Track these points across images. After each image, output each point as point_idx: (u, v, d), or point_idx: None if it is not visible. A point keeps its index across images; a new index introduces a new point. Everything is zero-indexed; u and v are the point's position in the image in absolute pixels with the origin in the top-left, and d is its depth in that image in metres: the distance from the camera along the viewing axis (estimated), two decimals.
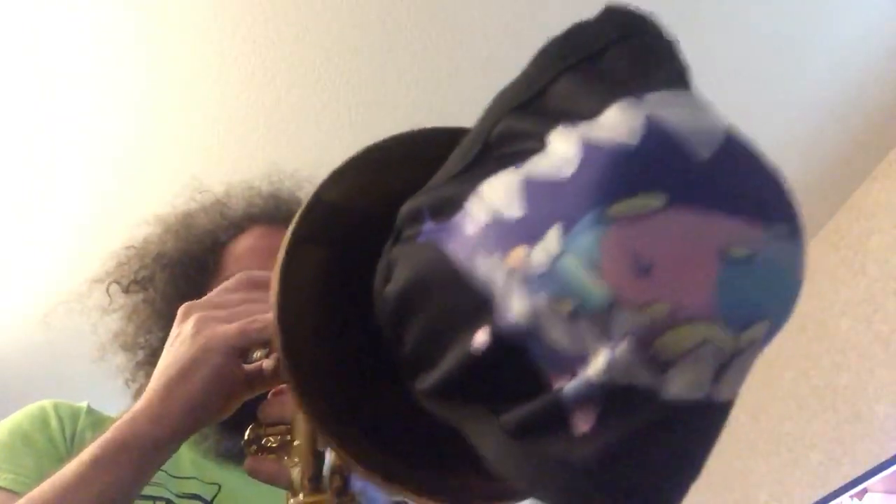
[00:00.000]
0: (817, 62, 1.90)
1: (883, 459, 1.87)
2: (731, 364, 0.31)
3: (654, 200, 0.29)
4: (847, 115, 2.04)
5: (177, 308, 0.88)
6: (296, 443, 0.51)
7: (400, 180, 0.41)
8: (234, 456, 0.84)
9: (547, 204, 0.31)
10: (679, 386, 0.30)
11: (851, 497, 1.94)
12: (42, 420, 0.80)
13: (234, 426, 0.61)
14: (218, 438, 0.82)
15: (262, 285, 0.60)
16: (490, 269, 0.32)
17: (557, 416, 0.31)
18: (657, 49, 0.34)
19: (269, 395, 0.60)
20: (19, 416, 0.80)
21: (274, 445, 0.59)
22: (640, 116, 0.30)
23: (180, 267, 0.90)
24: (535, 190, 0.32)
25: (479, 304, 0.33)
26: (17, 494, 0.69)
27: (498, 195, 0.33)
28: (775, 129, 2.06)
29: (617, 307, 0.29)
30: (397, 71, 1.84)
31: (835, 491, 1.97)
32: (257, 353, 0.57)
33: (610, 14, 0.35)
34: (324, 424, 0.40)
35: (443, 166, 0.38)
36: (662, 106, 0.31)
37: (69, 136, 1.91)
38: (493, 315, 0.32)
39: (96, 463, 0.55)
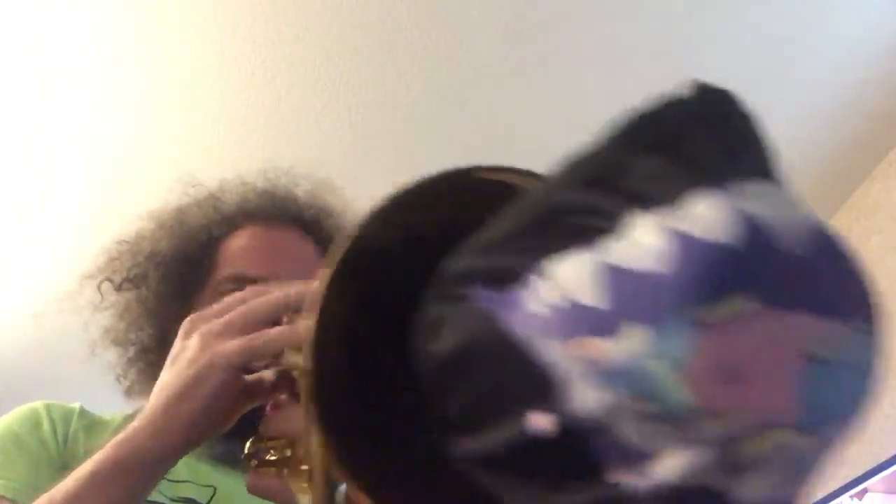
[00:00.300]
0: (817, 62, 1.90)
1: (883, 459, 1.87)
2: (806, 465, 0.31)
3: (749, 304, 0.29)
4: (847, 115, 2.04)
5: (168, 307, 0.88)
6: (304, 467, 0.50)
7: (437, 219, 0.40)
8: (228, 459, 0.83)
9: (630, 297, 0.30)
10: (751, 488, 0.30)
11: (851, 497, 1.93)
12: (34, 422, 0.79)
13: (231, 433, 0.61)
14: (213, 442, 0.82)
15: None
16: (558, 355, 0.31)
17: None
18: (746, 135, 0.33)
19: (269, 408, 0.60)
20: (10, 418, 0.80)
21: (274, 458, 0.58)
22: (733, 211, 0.29)
23: (174, 265, 0.89)
24: (615, 279, 0.30)
25: (538, 386, 0.32)
26: (8, 500, 0.68)
27: (574, 278, 0.32)
28: (775, 129, 2.04)
29: (701, 416, 0.29)
30: (397, 71, 1.84)
31: (835, 491, 1.97)
32: (254, 364, 0.57)
33: (696, 92, 0.33)
34: (344, 465, 0.39)
35: (495, 221, 0.37)
36: (756, 201, 0.30)
37: (69, 136, 1.91)
38: (556, 402, 0.31)
39: (96, 478, 0.54)
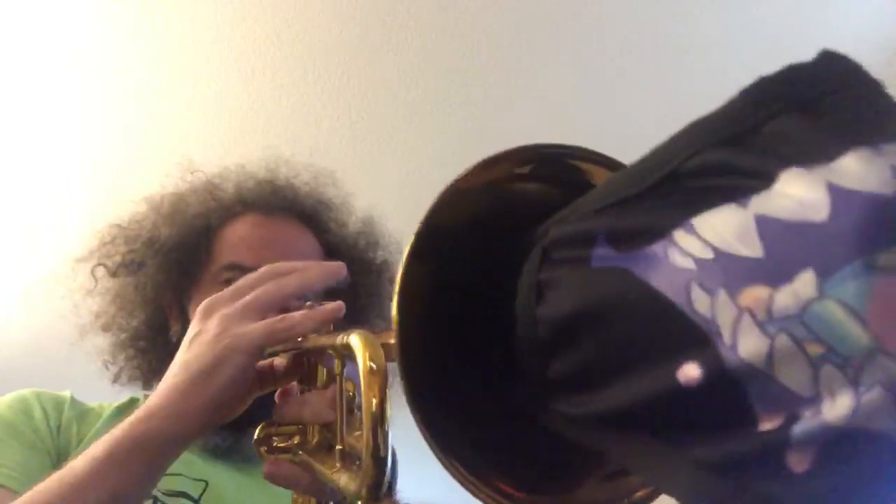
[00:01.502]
0: None
1: None
2: None
3: None
4: None
5: (165, 295, 0.87)
6: (338, 447, 0.50)
7: (503, 199, 0.42)
8: (222, 452, 0.83)
9: (793, 247, 0.31)
10: None
11: None
12: (25, 410, 0.79)
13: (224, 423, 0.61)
14: (207, 434, 0.81)
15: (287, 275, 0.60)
16: (712, 305, 0.32)
17: (774, 454, 0.31)
18: (878, 99, 0.34)
19: (277, 395, 0.60)
20: (1, 406, 0.79)
21: (282, 445, 0.58)
22: (885, 167, 0.30)
23: (172, 254, 0.88)
24: (773, 230, 0.32)
25: (690, 338, 0.33)
26: (4, 488, 0.68)
27: (724, 231, 0.33)
28: None
29: (876, 354, 0.29)
30: (397, 71, 1.84)
31: None
32: (269, 350, 0.57)
33: (828, 60, 0.34)
34: (435, 438, 0.40)
35: (598, 189, 0.38)
36: None
37: (68, 135, 1.91)
38: (713, 350, 0.32)
39: (110, 459, 0.54)
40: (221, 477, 0.82)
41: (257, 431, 0.59)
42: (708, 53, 1.83)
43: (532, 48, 1.81)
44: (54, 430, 0.79)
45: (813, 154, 0.32)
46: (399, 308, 0.41)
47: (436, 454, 0.40)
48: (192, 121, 1.91)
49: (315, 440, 0.56)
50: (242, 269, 0.81)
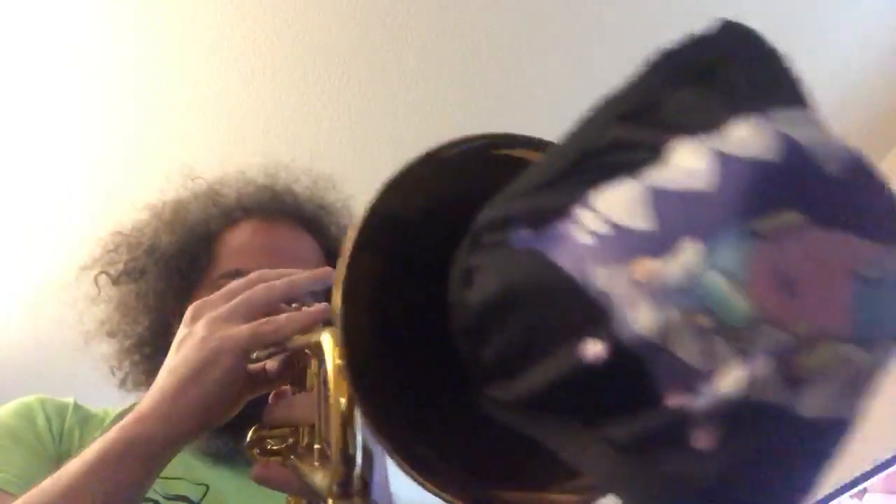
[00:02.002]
0: (817, 63, 1.90)
1: (883, 459, 1.87)
2: (860, 382, 0.31)
3: (797, 217, 0.29)
4: (847, 115, 2.04)
5: (167, 302, 0.87)
6: (316, 446, 0.50)
7: (451, 188, 0.41)
8: (223, 456, 0.83)
9: (679, 216, 0.31)
10: (812, 403, 0.30)
11: (851, 497, 1.93)
12: (28, 416, 0.79)
13: (224, 426, 0.61)
14: (208, 438, 0.81)
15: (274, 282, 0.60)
16: (609, 280, 0.32)
17: (678, 431, 0.31)
18: (775, 67, 0.34)
19: (271, 397, 0.60)
20: (4, 412, 0.79)
21: (276, 448, 0.58)
22: (772, 133, 0.30)
23: (173, 261, 0.89)
24: (663, 201, 0.31)
25: (591, 315, 0.32)
26: (5, 493, 0.68)
27: (617, 205, 0.32)
28: None
29: (760, 324, 0.29)
30: (397, 71, 1.84)
31: (835, 491, 1.97)
32: (257, 353, 0.57)
33: (727, 30, 0.34)
34: (380, 428, 0.40)
35: (525, 172, 0.38)
36: (792, 123, 0.31)
37: (68, 135, 1.91)
38: (611, 326, 0.32)
39: (103, 462, 0.54)
40: (222, 481, 0.82)
41: (250, 434, 0.59)
42: None
43: (532, 48, 1.81)
44: (57, 436, 0.79)
45: (705, 123, 0.32)
46: (344, 301, 0.40)
47: (388, 453, 0.40)
48: (191, 121, 1.91)
49: (305, 442, 0.56)
50: (242, 276, 0.81)
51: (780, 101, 0.32)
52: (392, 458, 0.40)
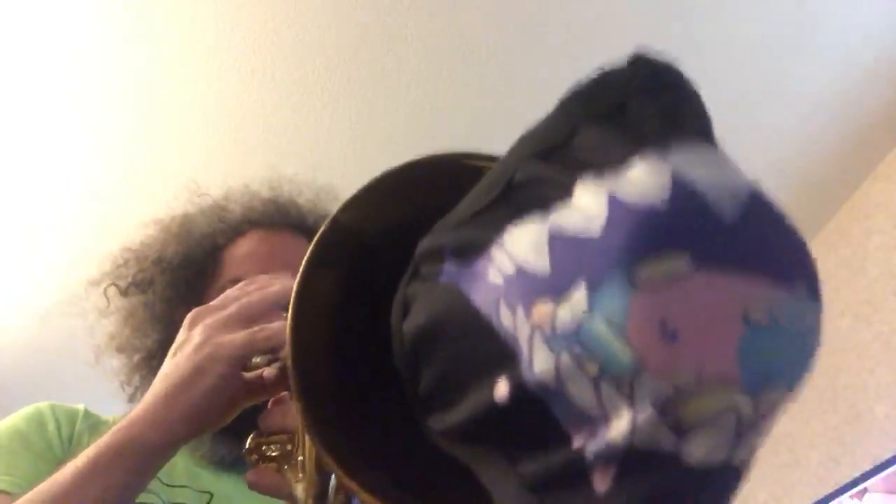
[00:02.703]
0: (817, 63, 1.91)
1: (883, 459, 1.87)
2: (750, 429, 0.31)
3: (680, 263, 0.29)
4: (847, 115, 2.04)
5: (175, 312, 0.88)
6: (300, 458, 0.50)
7: (414, 206, 0.41)
8: (228, 464, 0.83)
9: (573, 260, 0.31)
10: (699, 450, 0.30)
11: (851, 497, 1.93)
12: (39, 422, 0.80)
13: (229, 434, 0.61)
14: (212, 446, 0.82)
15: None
16: (513, 322, 0.32)
17: (578, 473, 0.31)
18: (683, 100, 0.34)
19: (270, 404, 0.60)
20: (16, 417, 0.80)
21: (275, 454, 0.58)
22: (666, 174, 0.30)
23: (180, 271, 0.90)
24: (561, 244, 0.31)
25: (501, 354, 0.33)
26: (13, 496, 0.68)
27: (523, 247, 0.33)
28: (776, 129, 2.06)
29: (642, 373, 0.29)
30: (397, 71, 1.84)
31: (835, 491, 1.97)
32: (256, 360, 0.57)
33: (636, 62, 0.34)
34: (331, 453, 0.40)
35: (463, 201, 0.38)
36: (689, 163, 0.30)
37: (68, 136, 1.91)
38: (516, 367, 0.32)
39: (94, 467, 0.55)
40: (226, 489, 0.83)
41: (248, 441, 0.59)
42: (710, 54, 1.83)
43: (532, 49, 1.81)
44: (66, 442, 0.80)
45: (608, 161, 0.31)
46: (294, 317, 0.40)
47: (338, 477, 0.39)
48: (191, 121, 1.91)
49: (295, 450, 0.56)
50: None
51: (683, 138, 0.31)
52: (338, 478, 0.39)
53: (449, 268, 0.36)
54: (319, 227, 0.99)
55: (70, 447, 0.79)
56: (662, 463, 0.30)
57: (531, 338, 0.31)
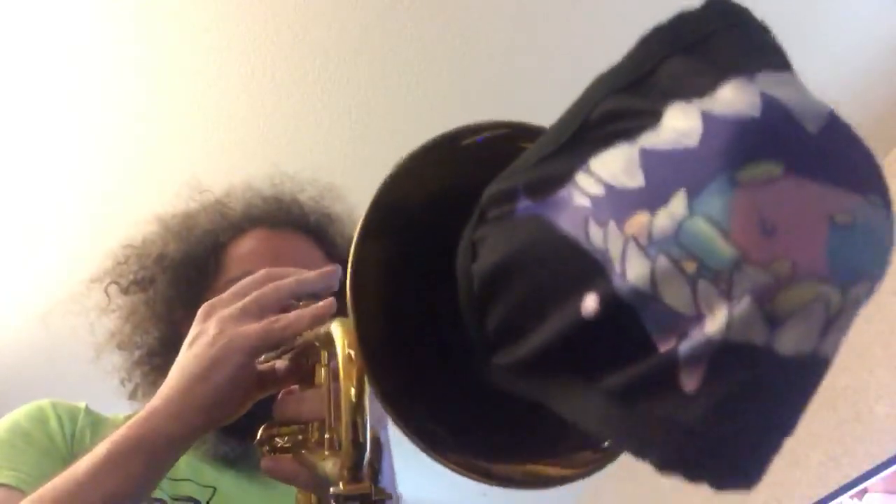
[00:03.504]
0: (816, 63, 1.90)
1: (883, 459, 1.87)
2: (836, 321, 0.33)
3: (775, 167, 0.31)
4: (847, 115, 2.04)
5: (176, 310, 0.88)
6: (326, 437, 0.51)
7: (462, 175, 0.43)
8: (231, 460, 0.84)
9: (669, 172, 0.33)
10: (790, 341, 0.32)
11: (851, 497, 1.93)
12: (41, 419, 0.80)
13: (232, 429, 0.61)
14: (216, 442, 0.82)
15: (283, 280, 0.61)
16: (605, 237, 0.34)
17: (667, 376, 0.33)
18: (760, 37, 0.36)
19: (280, 395, 0.60)
20: (17, 414, 0.80)
21: (286, 445, 0.59)
22: (755, 93, 0.32)
23: (181, 269, 0.90)
24: (654, 160, 0.33)
25: (589, 272, 0.34)
26: (18, 491, 0.69)
27: (613, 167, 0.34)
28: None
29: (742, 265, 0.31)
30: (397, 71, 1.84)
31: (835, 491, 1.97)
32: (266, 355, 0.57)
33: (713, 4, 0.37)
34: (392, 404, 0.41)
35: (526, 151, 0.40)
36: (773, 85, 0.33)
37: (68, 136, 1.91)
38: (606, 280, 0.34)
39: (110, 459, 0.55)
40: (230, 484, 0.83)
41: (260, 432, 0.59)
42: None
43: (531, 48, 1.82)
44: (69, 438, 0.80)
45: (695, 88, 0.34)
46: (353, 289, 0.41)
47: (401, 430, 0.41)
48: (191, 121, 1.91)
49: (315, 437, 0.57)
50: None
51: (762, 66, 0.34)
52: (404, 434, 0.41)
53: (524, 204, 0.38)
54: (322, 226, 0.99)
55: (72, 444, 0.79)
56: (754, 355, 0.31)
57: (624, 249, 0.33)
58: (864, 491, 1.91)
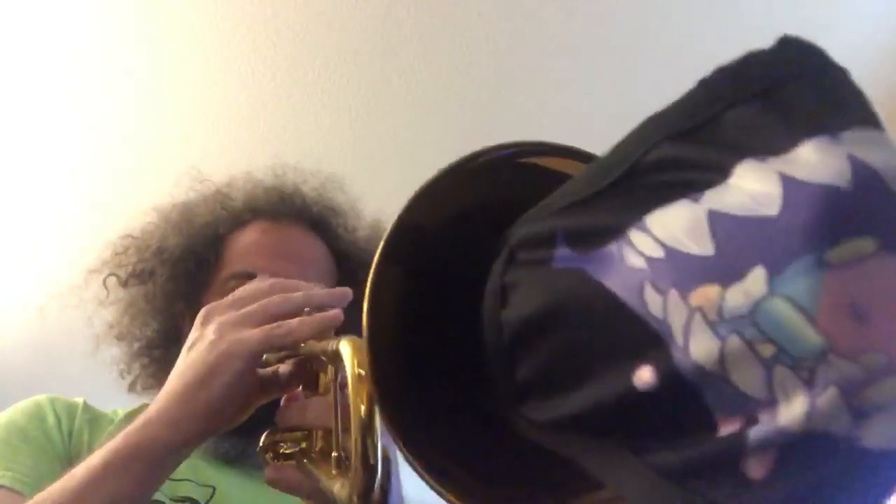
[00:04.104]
0: None
1: None
2: None
3: (869, 245, 0.28)
4: None
5: (176, 303, 0.87)
6: (334, 455, 0.50)
7: (479, 198, 0.42)
8: (230, 458, 0.83)
9: (744, 243, 0.30)
10: (878, 435, 0.29)
11: None
12: (38, 416, 0.79)
13: (233, 429, 0.60)
14: (216, 441, 0.81)
15: (289, 291, 0.60)
16: (664, 306, 0.31)
17: (731, 459, 0.30)
18: (841, 86, 0.32)
19: (283, 400, 0.60)
20: (14, 411, 0.79)
21: (289, 451, 0.58)
22: (842, 156, 0.29)
23: (181, 262, 0.89)
24: (725, 226, 0.30)
25: (643, 340, 0.32)
26: (14, 492, 0.68)
27: (675, 228, 0.32)
28: None
29: (828, 356, 0.28)
30: (397, 71, 1.84)
31: None
32: (267, 357, 0.57)
33: (787, 46, 0.33)
34: (403, 437, 0.40)
35: (562, 187, 0.37)
36: (862, 145, 0.30)
37: (68, 136, 1.91)
38: (665, 353, 0.31)
39: (109, 468, 0.54)
40: (229, 483, 0.82)
41: (263, 438, 0.59)
42: (710, 54, 1.83)
43: (532, 48, 1.81)
44: (66, 436, 0.79)
45: (769, 145, 0.30)
46: (370, 312, 0.40)
47: (408, 462, 0.39)
48: (191, 121, 1.91)
49: (319, 447, 0.56)
50: (251, 277, 0.81)
51: (848, 122, 0.30)
52: (412, 466, 0.39)
53: (564, 253, 0.35)
54: (324, 218, 0.98)
55: (70, 441, 0.79)
56: (835, 448, 0.29)
57: (688, 322, 0.30)
58: None
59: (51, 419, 0.79)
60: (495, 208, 0.38)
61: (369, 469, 0.42)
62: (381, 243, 0.41)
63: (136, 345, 0.89)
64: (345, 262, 0.93)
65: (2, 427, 0.76)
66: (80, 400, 0.85)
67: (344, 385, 0.45)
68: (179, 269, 0.88)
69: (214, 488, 0.81)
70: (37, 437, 0.77)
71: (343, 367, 0.45)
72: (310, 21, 1.73)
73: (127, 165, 1.98)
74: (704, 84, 0.34)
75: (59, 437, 0.78)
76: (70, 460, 0.77)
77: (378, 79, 1.85)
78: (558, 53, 1.82)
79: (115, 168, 1.99)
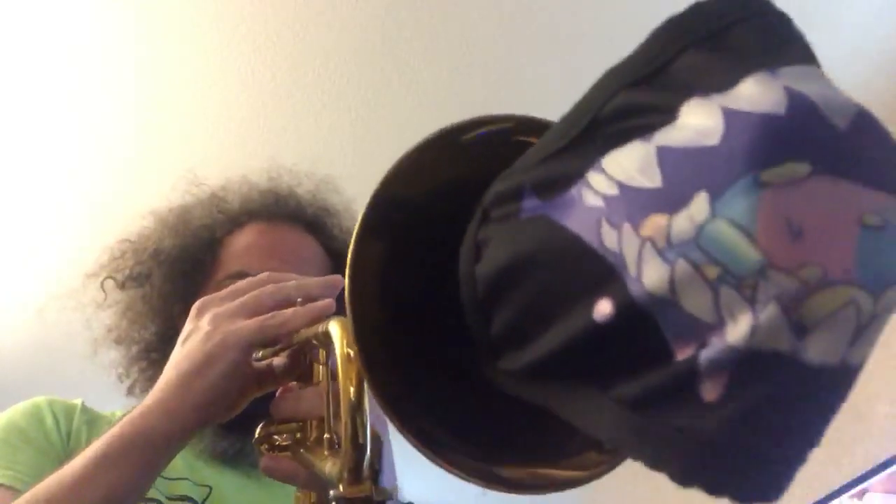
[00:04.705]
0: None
1: (883, 459, 1.87)
2: (867, 328, 0.31)
3: (803, 167, 0.29)
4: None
5: (173, 305, 0.88)
6: (326, 436, 0.51)
7: (463, 170, 0.42)
8: (228, 458, 0.83)
9: (688, 172, 0.31)
10: (818, 350, 0.30)
11: (851, 497, 1.93)
12: (37, 416, 0.79)
13: (230, 427, 0.61)
14: (213, 440, 0.82)
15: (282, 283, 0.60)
16: (619, 240, 0.32)
17: (687, 385, 0.31)
18: (781, 28, 0.34)
19: (278, 392, 0.60)
20: (14, 412, 0.80)
21: (285, 444, 0.58)
22: (779, 88, 0.31)
23: (178, 264, 0.89)
24: (672, 159, 0.32)
25: (602, 275, 0.32)
26: (14, 490, 0.68)
27: (628, 166, 0.33)
28: None
29: (768, 271, 0.29)
30: (397, 70, 1.84)
31: (835, 491, 1.97)
32: (262, 352, 0.57)
33: None
34: (392, 407, 0.40)
35: (532, 147, 0.38)
36: (798, 79, 0.31)
37: (68, 136, 1.91)
38: (621, 284, 0.32)
39: (105, 459, 0.54)
40: (226, 482, 0.83)
41: (258, 430, 0.59)
42: None
43: (532, 49, 1.81)
44: (65, 436, 0.79)
45: (714, 83, 0.32)
46: (351, 287, 0.41)
47: (399, 431, 0.40)
48: (191, 121, 1.91)
49: (314, 436, 0.56)
50: (246, 277, 0.81)
51: (786, 59, 0.32)
52: (403, 435, 0.40)
53: (530, 203, 0.36)
54: (319, 219, 0.98)
55: (69, 443, 0.79)
56: (779, 365, 0.30)
57: (640, 252, 0.31)
58: (864, 491, 1.91)
59: (49, 420, 0.80)
60: (480, 180, 0.39)
61: (359, 448, 0.43)
62: (361, 216, 0.42)
63: (135, 348, 0.90)
64: (341, 262, 0.93)
65: (1, 427, 0.77)
66: (78, 401, 0.85)
67: (335, 370, 0.45)
68: (176, 271, 0.89)
69: (211, 487, 0.81)
70: (36, 437, 0.77)
71: (333, 349, 0.46)
72: (310, 21, 1.74)
73: (127, 165, 1.98)
74: (657, 33, 0.35)
75: (58, 438, 0.79)
76: (68, 460, 0.77)
77: (378, 79, 1.85)
78: (560, 54, 1.82)
79: (115, 168, 1.99)
